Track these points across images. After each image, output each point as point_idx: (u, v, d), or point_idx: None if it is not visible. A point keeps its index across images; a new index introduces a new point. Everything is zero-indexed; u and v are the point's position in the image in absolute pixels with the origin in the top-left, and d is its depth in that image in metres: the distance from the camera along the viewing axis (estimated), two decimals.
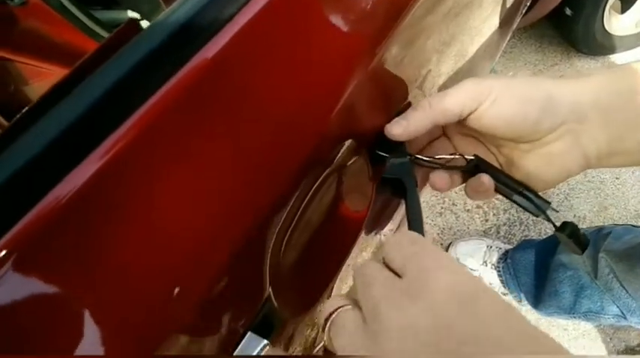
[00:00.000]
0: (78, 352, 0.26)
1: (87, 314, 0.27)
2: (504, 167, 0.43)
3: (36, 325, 0.25)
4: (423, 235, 0.36)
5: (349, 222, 0.47)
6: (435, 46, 0.58)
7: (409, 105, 0.51)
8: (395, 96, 0.49)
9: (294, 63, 0.36)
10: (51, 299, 0.26)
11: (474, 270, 1.47)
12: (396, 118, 0.40)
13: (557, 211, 0.43)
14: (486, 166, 0.43)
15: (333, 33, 0.39)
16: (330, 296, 0.57)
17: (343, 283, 0.62)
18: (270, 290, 0.37)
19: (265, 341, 0.35)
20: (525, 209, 0.42)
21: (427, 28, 0.52)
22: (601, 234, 1.20)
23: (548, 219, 0.43)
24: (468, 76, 0.87)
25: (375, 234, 0.71)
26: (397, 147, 0.44)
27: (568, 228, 0.42)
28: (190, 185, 0.31)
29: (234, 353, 0.35)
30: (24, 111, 0.29)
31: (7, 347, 0.24)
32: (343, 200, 0.45)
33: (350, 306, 0.31)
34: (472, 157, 0.43)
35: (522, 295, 1.40)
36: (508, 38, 1.19)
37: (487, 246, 1.50)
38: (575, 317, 1.25)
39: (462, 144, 0.44)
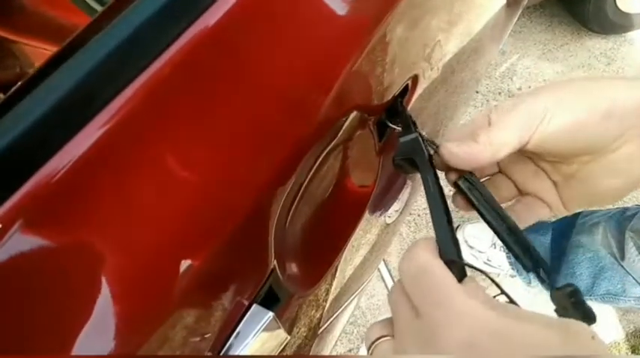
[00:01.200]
0: (85, 325, 0.27)
1: (93, 285, 0.27)
2: (560, 184, 0.39)
3: (40, 287, 0.26)
4: (449, 220, 0.34)
5: (355, 196, 0.47)
6: (440, 25, 0.57)
7: (416, 78, 0.51)
8: (400, 69, 0.48)
9: (296, 31, 0.35)
10: (53, 267, 0.26)
11: (482, 252, 1.47)
12: (452, 144, 0.36)
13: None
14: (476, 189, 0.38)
15: (336, 3, 0.38)
16: (334, 276, 0.57)
17: (347, 264, 0.63)
18: (276, 262, 0.37)
19: (271, 314, 0.36)
20: (514, 255, 0.36)
21: (432, 6, 0.51)
22: (626, 215, 1.18)
23: (542, 280, 0.36)
24: (474, 55, 0.87)
25: (380, 215, 0.71)
26: (404, 120, 0.44)
27: (568, 291, 0.34)
28: (193, 153, 0.31)
29: (240, 324, 0.35)
30: (23, 80, 0.29)
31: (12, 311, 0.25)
32: (349, 174, 0.45)
33: (389, 338, 0.32)
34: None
35: (533, 277, 1.40)
36: (516, 18, 1.17)
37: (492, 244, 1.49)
38: (591, 300, 1.24)
39: (509, 163, 0.41)
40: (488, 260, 1.46)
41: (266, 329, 0.36)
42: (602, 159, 0.36)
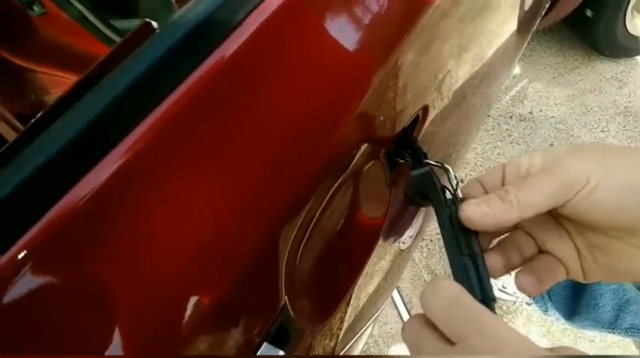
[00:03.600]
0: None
1: (106, 319, 0.27)
2: (584, 253, 0.36)
3: (54, 322, 0.25)
4: (472, 255, 0.33)
5: (366, 229, 0.46)
6: (451, 50, 0.57)
7: (426, 108, 0.50)
8: (411, 97, 0.48)
9: (307, 67, 0.35)
10: (69, 297, 0.26)
11: (497, 280, 1.45)
12: (477, 201, 0.33)
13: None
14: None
15: (348, 37, 0.38)
16: (348, 304, 0.56)
17: (362, 292, 0.61)
18: (287, 299, 0.36)
19: (282, 353, 0.35)
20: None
21: (443, 32, 0.51)
22: None
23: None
24: (485, 80, 0.87)
25: (394, 241, 0.69)
26: (414, 151, 0.43)
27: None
28: (205, 190, 0.30)
29: None
30: (40, 114, 0.29)
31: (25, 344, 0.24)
32: (360, 206, 0.44)
33: None
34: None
35: (550, 305, 1.36)
36: (527, 41, 1.17)
37: None
38: (614, 333, 1.19)
39: (529, 219, 0.36)
40: (503, 287, 1.43)
41: None
42: (634, 240, 0.33)
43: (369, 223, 0.46)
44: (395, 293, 1.50)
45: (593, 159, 0.32)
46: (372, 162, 0.43)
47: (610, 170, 0.31)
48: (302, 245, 0.38)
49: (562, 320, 1.33)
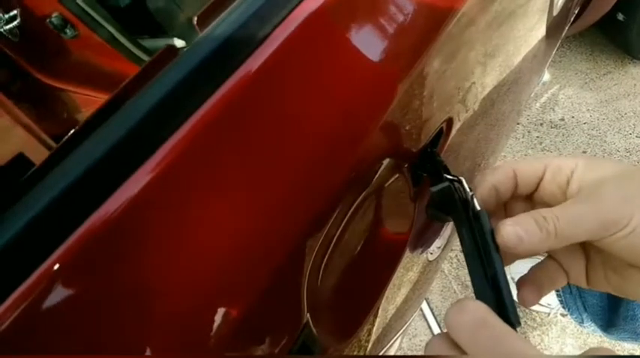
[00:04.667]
0: None
1: (124, 340, 0.27)
2: (595, 263, 0.35)
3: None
4: (494, 277, 0.31)
5: (390, 244, 0.46)
6: (478, 57, 0.56)
7: (450, 121, 0.49)
8: (437, 107, 0.48)
9: (333, 80, 0.35)
10: (94, 312, 0.26)
11: None
12: (513, 222, 0.32)
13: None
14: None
15: (373, 48, 0.38)
16: (376, 315, 0.55)
17: (389, 303, 0.60)
18: (309, 316, 0.36)
19: None
20: None
21: (469, 39, 0.50)
22: None
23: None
24: (514, 88, 0.85)
25: (422, 252, 0.68)
26: (435, 166, 0.42)
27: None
28: (227, 206, 0.31)
29: None
30: (71, 133, 0.30)
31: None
32: (383, 222, 0.44)
33: None
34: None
35: (586, 316, 1.31)
36: (556, 48, 1.15)
37: None
38: None
39: None
40: None
41: None
42: None
43: (394, 238, 0.46)
44: (424, 305, 1.48)
45: (637, 200, 0.30)
46: (395, 176, 0.42)
47: None
48: (324, 261, 0.37)
49: (599, 331, 1.28)
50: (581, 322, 1.35)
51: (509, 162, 0.36)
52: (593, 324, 1.29)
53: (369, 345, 0.59)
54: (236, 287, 0.31)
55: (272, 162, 0.32)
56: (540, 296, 0.36)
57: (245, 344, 0.33)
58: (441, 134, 0.48)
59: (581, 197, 0.32)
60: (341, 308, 0.42)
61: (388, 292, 0.58)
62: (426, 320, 1.47)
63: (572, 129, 1.76)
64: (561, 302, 1.36)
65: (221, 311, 0.30)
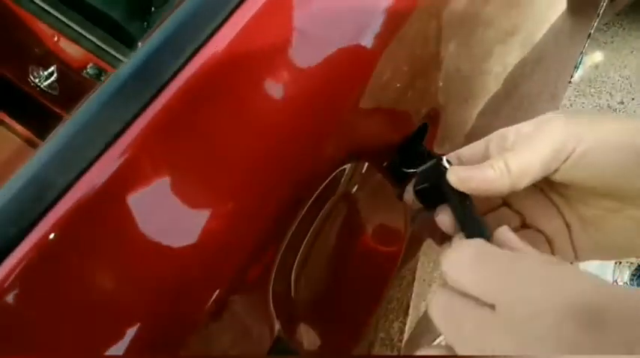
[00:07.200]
0: None
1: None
2: (576, 229, 0.33)
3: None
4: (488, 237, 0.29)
5: (380, 254, 0.43)
6: (497, 36, 0.53)
7: (436, 113, 0.46)
8: (412, 107, 0.44)
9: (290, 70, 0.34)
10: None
11: None
12: (467, 166, 0.32)
13: None
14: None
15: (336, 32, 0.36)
16: (406, 313, 0.53)
17: (421, 300, 0.58)
18: (279, 325, 0.34)
19: None
20: None
21: (484, 18, 0.48)
22: None
23: None
24: (537, 67, 0.80)
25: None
26: (423, 155, 0.39)
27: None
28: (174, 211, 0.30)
29: None
30: None
31: None
32: (365, 230, 0.41)
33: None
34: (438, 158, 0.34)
35: None
36: (590, 26, 1.07)
37: (616, 262, 1.31)
38: None
39: (514, 193, 0.33)
40: (615, 281, 1.27)
41: None
42: (635, 211, 0.30)
43: (382, 249, 0.43)
44: None
45: (586, 124, 0.29)
46: (373, 177, 0.40)
47: (601, 134, 0.29)
48: (293, 272, 0.36)
49: None
50: None
51: (456, 151, 0.35)
52: None
53: (402, 345, 0.56)
54: (194, 290, 0.30)
55: (229, 152, 0.32)
56: None
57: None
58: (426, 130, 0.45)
59: (530, 134, 0.31)
60: (328, 319, 0.40)
61: (417, 288, 0.55)
62: None
63: (634, 112, 1.62)
64: None
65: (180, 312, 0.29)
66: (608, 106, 1.67)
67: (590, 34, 1.09)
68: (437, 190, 0.34)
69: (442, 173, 0.34)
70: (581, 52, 1.11)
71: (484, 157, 0.33)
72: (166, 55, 0.31)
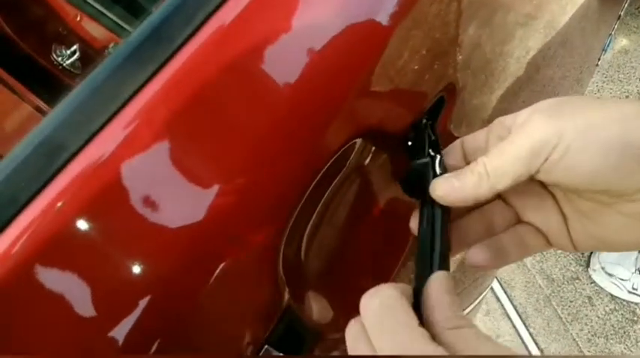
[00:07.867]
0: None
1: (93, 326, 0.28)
2: (572, 220, 0.33)
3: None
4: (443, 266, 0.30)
5: (392, 227, 0.43)
6: (517, 19, 0.52)
7: (452, 88, 0.45)
8: (429, 80, 0.44)
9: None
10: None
11: (625, 280, 1.26)
12: (448, 174, 0.32)
13: None
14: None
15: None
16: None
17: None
18: (291, 299, 0.34)
19: (280, 355, 0.33)
20: None
21: (505, 1, 0.47)
22: None
23: None
24: (561, 50, 0.78)
25: None
26: (421, 139, 0.39)
27: None
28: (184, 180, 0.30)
29: None
30: None
31: None
32: (378, 202, 0.41)
33: None
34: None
35: None
36: (620, 9, 1.04)
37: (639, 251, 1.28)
38: None
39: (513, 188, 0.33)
40: (633, 288, 1.25)
41: None
42: (627, 206, 0.29)
43: (400, 210, 0.43)
44: (507, 303, 1.38)
45: (568, 118, 0.28)
46: (379, 153, 0.40)
47: (583, 130, 0.27)
48: (304, 240, 0.36)
49: None
50: None
51: (461, 138, 0.35)
52: None
53: None
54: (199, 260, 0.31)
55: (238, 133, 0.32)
56: (500, 262, 0.33)
57: (210, 319, 0.32)
58: (442, 104, 0.44)
59: (510, 134, 0.30)
60: (339, 290, 0.40)
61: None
62: (509, 318, 1.38)
63: None
64: None
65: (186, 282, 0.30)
66: (638, 92, 1.62)
67: (619, 15, 1.05)
68: (420, 187, 0.34)
69: (428, 175, 0.34)
70: (610, 34, 1.07)
71: (485, 147, 0.33)
72: (178, 21, 0.30)
